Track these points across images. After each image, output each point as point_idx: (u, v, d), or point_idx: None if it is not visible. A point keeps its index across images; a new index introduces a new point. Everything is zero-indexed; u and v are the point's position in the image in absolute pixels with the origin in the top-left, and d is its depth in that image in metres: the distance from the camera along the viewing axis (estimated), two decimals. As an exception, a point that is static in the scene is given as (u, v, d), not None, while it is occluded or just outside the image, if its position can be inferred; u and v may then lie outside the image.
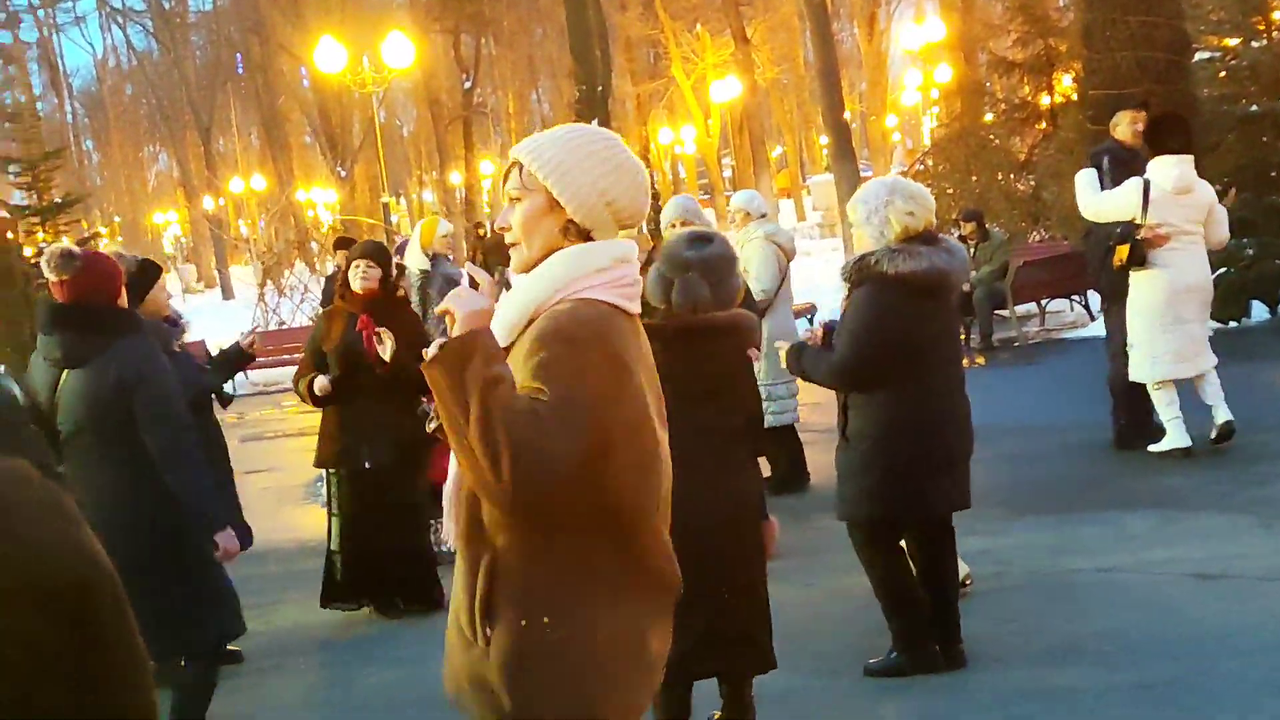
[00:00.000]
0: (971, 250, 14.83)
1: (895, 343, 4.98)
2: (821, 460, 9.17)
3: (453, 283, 8.76)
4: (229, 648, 5.44)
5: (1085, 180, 8.45)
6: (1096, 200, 8.37)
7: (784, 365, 5.57)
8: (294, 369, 21.67)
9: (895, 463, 5.04)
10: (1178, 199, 8.04)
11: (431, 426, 2.65)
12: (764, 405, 8.23)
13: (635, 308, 2.64)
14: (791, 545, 7.18)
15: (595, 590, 2.52)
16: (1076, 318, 15.97)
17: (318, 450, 6.92)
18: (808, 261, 23.28)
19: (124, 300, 4.84)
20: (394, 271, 7.07)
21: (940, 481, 5.12)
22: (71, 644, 1.35)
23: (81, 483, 4.61)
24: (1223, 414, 8.25)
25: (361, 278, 6.73)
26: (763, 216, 8.76)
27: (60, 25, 64.77)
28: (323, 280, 18.16)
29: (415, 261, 8.78)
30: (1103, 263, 8.39)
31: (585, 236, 2.59)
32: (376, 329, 6.46)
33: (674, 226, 7.16)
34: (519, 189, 2.62)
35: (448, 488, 2.65)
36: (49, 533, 1.36)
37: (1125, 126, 8.74)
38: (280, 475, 11.52)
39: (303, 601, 7.30)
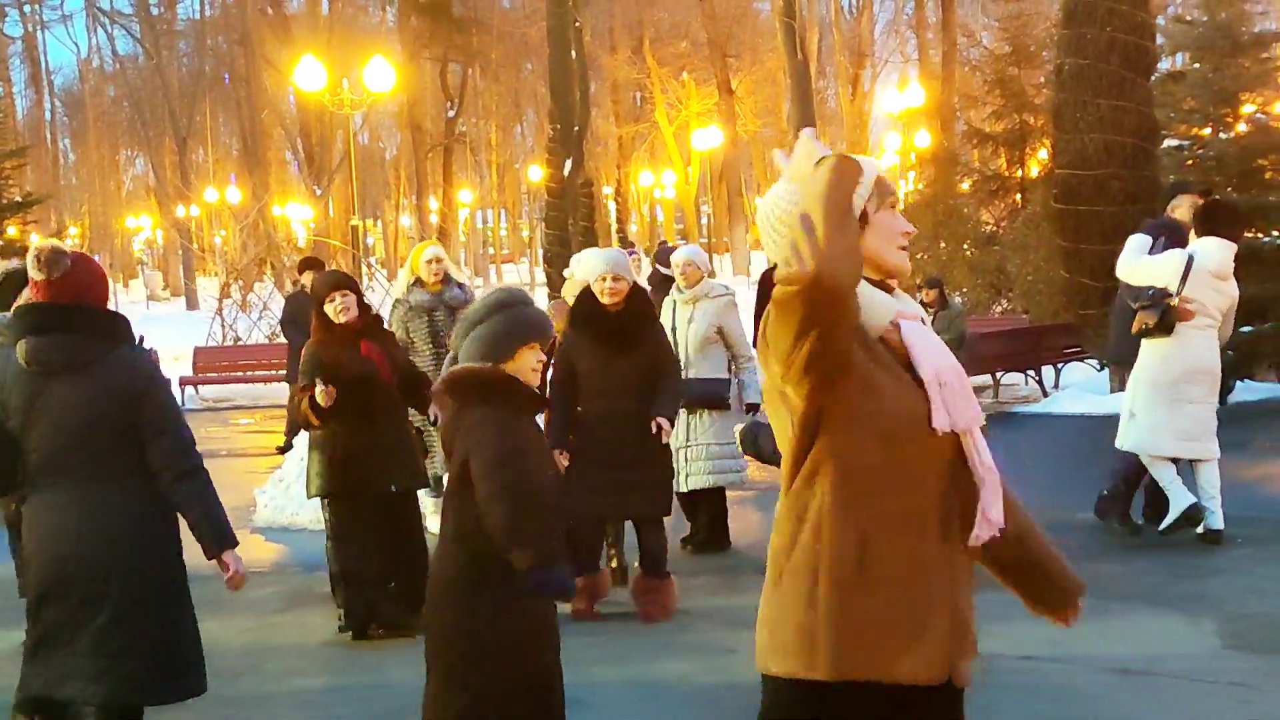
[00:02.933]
0: (931, 318, 14.82)
1: None
2: (754, 519, 9.19)
3: (420, 310, 8.89)
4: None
5: (1136, 244, 8.34)
6: (1141, 262, 8.24)
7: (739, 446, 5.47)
8: (246, 386, 21.40)
9: None
10: (1214, 282, 8.01)
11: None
12: (704, 464, 8.24)
13: None
14: (715, 609, 7.11)
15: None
16: (1030, 392, 16.00)
17: (323, 478, 6.81)
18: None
19: (111, 305, 4.62)
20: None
21: None
22: None
23: (69, 506, 4.34)
24: (1216, 521, 8.13)
25: (343, 310, 6.76)
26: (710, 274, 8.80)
27: (46, 22, 64.46)
28: (284, 299, 18.04)
29: (400, 284, 9.39)
30: (1126, 331, 8.33)
31: None
32: (326, 386, 6.48)
33: (604, 280, 6.94)
34: None
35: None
36: None
37: (1186, 209, 8.64)
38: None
39: (213, 633, 7.10)
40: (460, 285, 9.37)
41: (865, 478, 2.70)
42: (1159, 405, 8.12)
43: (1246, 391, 14.21)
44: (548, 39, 27.96)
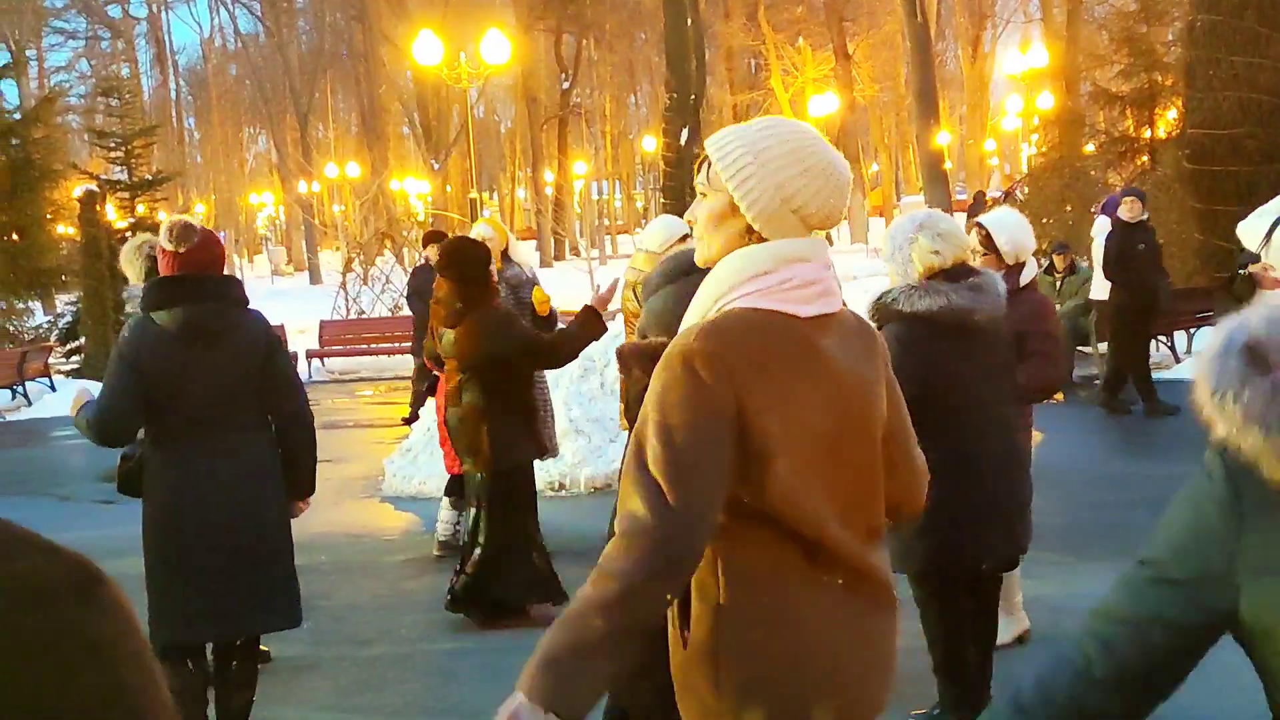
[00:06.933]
0: (1058, 284, 14.57)
1: (916, 382, 4.68)
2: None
3: None
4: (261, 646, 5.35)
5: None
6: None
7: None
8: (370, 358, 21.74)
9: (931, 513, 4.74)
10: None
11: None
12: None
13: (810, 310, 2.42)
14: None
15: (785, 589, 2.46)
16: (1162, 359, 15.59)
17: (510, 450, 6.41)
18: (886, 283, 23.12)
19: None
20: None
21: (981, 531, 4.79)
22: None
23: (214, 456, 4.61)
24: None
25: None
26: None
27: (169, 3, 65.86)
28: (409, 272, 18.22)
29: None
30: None
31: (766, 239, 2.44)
32: None
33: (684, 241, 7.10)
34: (704, 185, 2.48)
35: None
36: None
37: None
38: (342, 467, 11.55)
39: (347, 598, 7.29)
40: (518, 265, 8.62)
41: None
42: None
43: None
44: (663, 7, 27.85)
